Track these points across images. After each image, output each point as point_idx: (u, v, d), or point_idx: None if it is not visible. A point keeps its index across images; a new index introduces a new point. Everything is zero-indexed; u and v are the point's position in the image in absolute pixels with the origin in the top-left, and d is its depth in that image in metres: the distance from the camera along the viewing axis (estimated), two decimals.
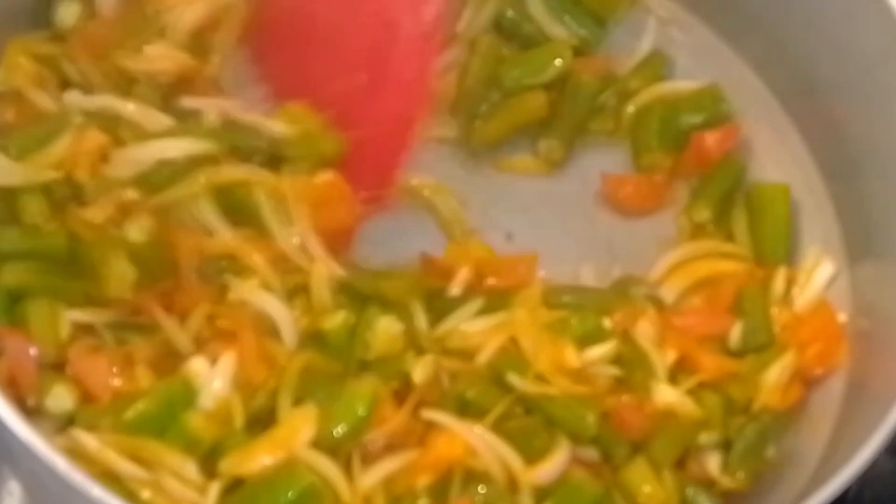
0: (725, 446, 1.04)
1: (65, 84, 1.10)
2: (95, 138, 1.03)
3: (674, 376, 1.05)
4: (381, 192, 1.09)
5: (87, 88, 1.09)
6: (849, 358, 1.07)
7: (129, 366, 0.99)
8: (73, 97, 1.08)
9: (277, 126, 1.08)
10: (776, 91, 1.18)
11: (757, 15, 1.17)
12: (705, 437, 1.04)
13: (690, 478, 1.04)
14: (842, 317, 1.09)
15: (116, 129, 1.06)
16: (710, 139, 1.15)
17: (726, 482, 1.03)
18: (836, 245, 1.13)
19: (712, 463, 1.04)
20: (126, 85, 1.09)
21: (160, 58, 1.10)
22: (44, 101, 1.08)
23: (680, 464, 1.04)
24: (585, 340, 1.04)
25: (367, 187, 1.08)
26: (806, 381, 1.07)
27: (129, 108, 1.07)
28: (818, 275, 1.11)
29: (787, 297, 1.10)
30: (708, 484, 1.04)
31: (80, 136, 1.03)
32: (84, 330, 1.01)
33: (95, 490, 0.85)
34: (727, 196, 1.15)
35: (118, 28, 1.11)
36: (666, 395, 1.03)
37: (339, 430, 0.97)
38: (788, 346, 1.07)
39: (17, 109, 1.08)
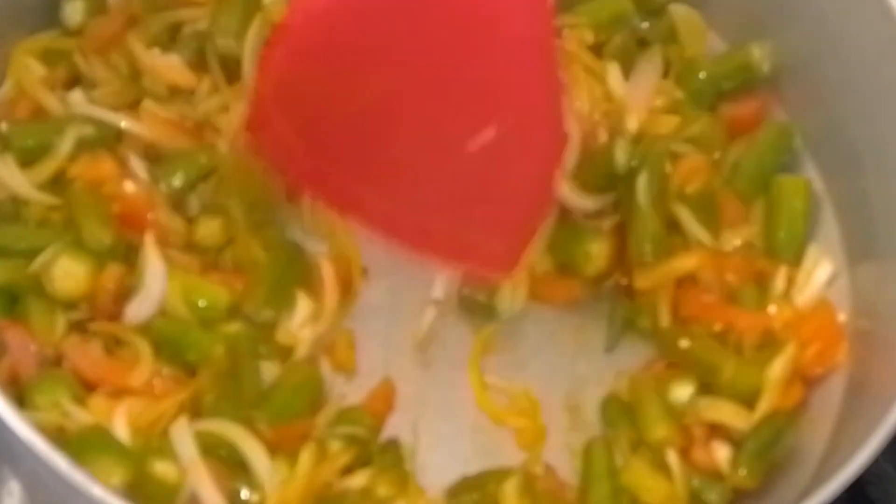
0: (735, 443, 1.04)
1: (73, 82, 1.10)
2: (106, 165, 1.05)
3: None
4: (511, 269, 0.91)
5: (96, 84, 1.10)
6: (849, 357, 1.07)
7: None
8: (77, 98, 1.09)
9: None
10: (776, 91, 1.18)
11: (757, 15, 1.17)
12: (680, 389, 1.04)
13: (696, 468, 1.03)
14: (841, 316, 1.09)
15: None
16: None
17: (735, 477, 1.03)
18: (836, 245, 1.12)
19: (721, 454, 1.03)
20: (133, 79, 1.10)
21: (168, 68, 1.10)
22: (52, 102, 1.08)
23: (685, 453, 1.04)
24: None
25: (497, 269, 0.92)
26: (806, 381, 1.07)
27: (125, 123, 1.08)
28: (817, 274, 1.11)
29: (786, 296, 1.10)
30: (715, 477, 1.03)
31: (92, 162, 1.05)
32: (76, 327, 1.02)
33: (96, 490, 0.85)
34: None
35: (127, 20, 1.11)
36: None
37: None
38: (789, 343, 1.07)
39: (27, 107, 1.09)
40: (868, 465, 0.93)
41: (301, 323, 1.05)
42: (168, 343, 1.01)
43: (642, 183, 1.08)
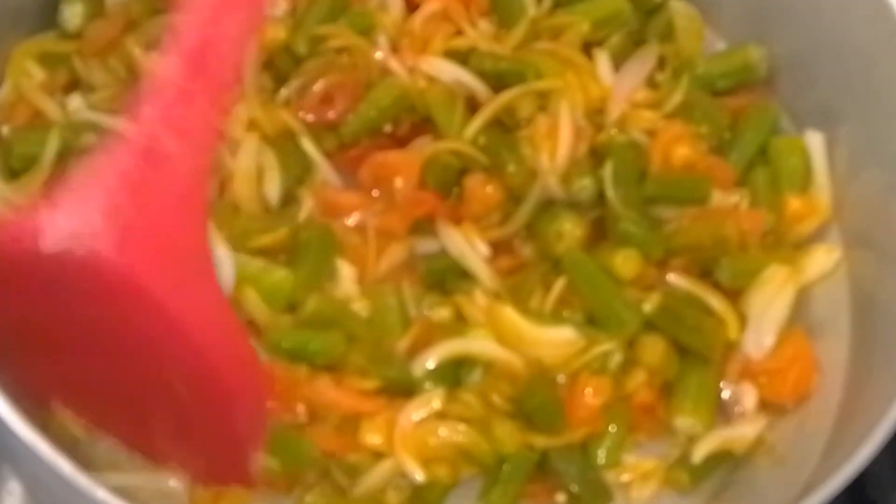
0: None
1: (72, 86, 1.10)
2: None
3: None
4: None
5: (95, 88, 1.10)
6: (848, 357, 1.07)
7: None
8: (76, 103, 1.09)
9: None
10: (775, 90, 1.18)
11: (754, 13, 1.17)
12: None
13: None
14: (842, 314, 1.10)
15: None
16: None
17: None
18: (836, 243, 1.12)
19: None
20: (132, 83, 1.09)
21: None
22: (51, 108, 1.08)
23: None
24: None
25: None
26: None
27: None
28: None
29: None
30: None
31: None
32: None
33: (100, 493, 0.85)
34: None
35: (126, 24, 1.11)
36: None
37: None
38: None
39: (25, 111, 1.09)
40: (867, 464, 0.94)
41: (350, 282, 1.05)
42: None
43: (608, 174, 1.08)
